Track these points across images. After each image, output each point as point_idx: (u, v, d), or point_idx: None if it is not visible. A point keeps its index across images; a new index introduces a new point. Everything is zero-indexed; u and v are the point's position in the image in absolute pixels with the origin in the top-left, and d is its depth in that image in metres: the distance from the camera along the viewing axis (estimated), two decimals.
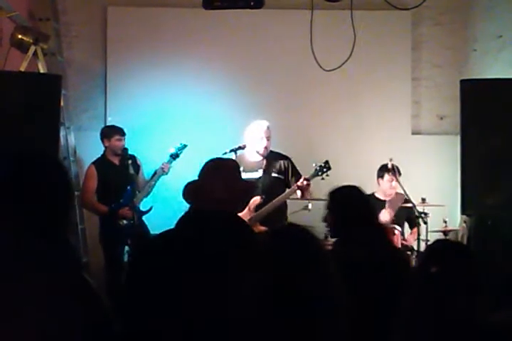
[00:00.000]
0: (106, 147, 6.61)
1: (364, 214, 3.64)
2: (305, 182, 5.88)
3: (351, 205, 3.69)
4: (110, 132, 6.60)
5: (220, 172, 3.50)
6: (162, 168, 6.53)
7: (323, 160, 5.98)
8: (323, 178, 5.94)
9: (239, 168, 3.73)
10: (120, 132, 6.58)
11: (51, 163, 1.98)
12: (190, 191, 3.44)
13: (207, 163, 3.65)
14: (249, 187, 4.02)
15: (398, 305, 2.53)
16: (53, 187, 1.88)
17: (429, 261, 2.57)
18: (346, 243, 3.51)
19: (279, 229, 2.13)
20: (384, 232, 3.79)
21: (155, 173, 6.57)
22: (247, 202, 5.80)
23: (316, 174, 5.95)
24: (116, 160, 6.57)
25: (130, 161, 6.49)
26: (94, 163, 6.60)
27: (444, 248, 2.63)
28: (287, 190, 5.99)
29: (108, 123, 7.32)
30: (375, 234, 3.58)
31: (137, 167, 6.64)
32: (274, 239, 1.95)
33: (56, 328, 1.71)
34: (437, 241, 2.84)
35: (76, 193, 6.67)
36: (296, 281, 1.82)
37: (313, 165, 5.98)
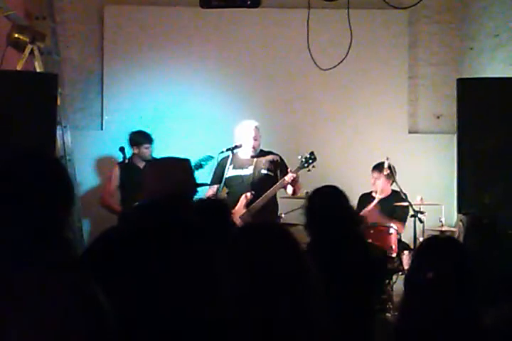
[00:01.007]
0: (134, 153, 6.69)
1: (338, 214, 3.59)
2: (290, 175, 5.90)
3: (325, 205, 3.66)
4: (139, 140, 6.69)
5: (159, 172, 3.61)
6: None
7: (308, 151, 6.00)
8: (309, 170, 5.95)
9: (179, 165, 3.83)
10: (149, 140, 6.68)
11: (48, 161, 1.98)
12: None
13: (147, 165, 3.76)
14: (188, 184, 4.06)
15: (370, 306, 2.55)
16: (51, 186, 1.88)
17: (422, 259, 2.58)
18: (319, 243, 3.49)
19: (252, 226, 2.13)
20: (359, 232, 3.75)
21: None
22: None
23: (302, 166, 5.96)
24: (142, 165, 6.63)
25: None
26: (119, 163, 6.70)
27: (437, 245, 2.63)
28: (276, 184, 6.01)
29: (105, 122, 7.33)
30: (349, 234, 3.54)
31: None
32: (248, 236, 1.95)
33: (54, 328, 1.71)
34: (430, 238, 2.85)
35: None
36: (270, 278, 1.82)
37: (299, 157, 5.99)
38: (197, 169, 6.62)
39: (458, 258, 2.51)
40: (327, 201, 3.67)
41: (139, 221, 2.66)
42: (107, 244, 2.37)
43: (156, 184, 3.50)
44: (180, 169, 3.87)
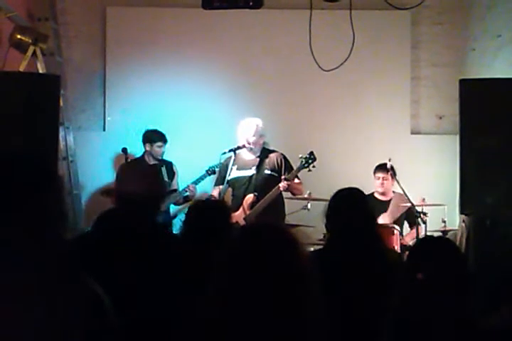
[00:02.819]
0: (146, 150, 6.71)
1: (359, 216, 3.58)
2: (285, 183, 5.93)
3: (348, 207, 3.64)
4: (153, 138, 6.68)
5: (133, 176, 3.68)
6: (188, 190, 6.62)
7: (308, 152, 6.02)
8: (310, 170, 5.98)
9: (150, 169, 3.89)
10: (163, 139, 6.67)
11: (37, 161, 1.97)
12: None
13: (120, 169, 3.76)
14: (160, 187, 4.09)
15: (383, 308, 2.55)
16: (39, 188, 1.88)
17: (416, 260, 2.58)
18: (336, 244, 3.49)
19: (254, 226, 2.13)
20: (377, 235, 3.73)
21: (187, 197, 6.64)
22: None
23: (302, 166, 5.99)
24: (152, 163, 6.70)
25: (164, 167, 6.60)
26: (127, 161, 6.70)
27: (431, 246, 2.64)
28: (272, 190, 6.02)
29: (107, 123, 7.34)
30: (366, 236, 3.53)
31: (172, 174, 6.73)
32: (249, 237, 1.95)
33: (56, 327, 1.71)
34: (424, 239, 2.84)
35: (75, 192, 6.70)
36: (270, 279, 1.82)
37: (299, 156, 6.01)
38: (209, 174, 6.63)
39: (451, 258, 2.51)
40: (348, 202, 3.66)
41: (110, 225, 2.70)
42: (82, 247, 2.39)
43: (130, 187, 3.54)
44: (153, 173, 3.94)
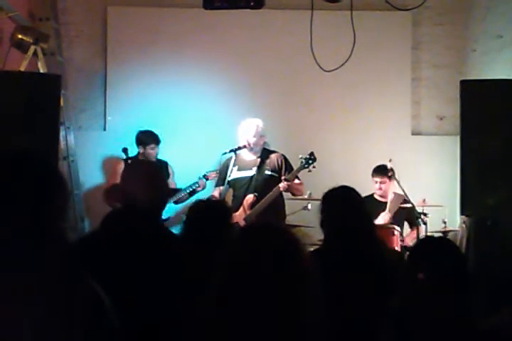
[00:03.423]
0: (140, 152, 6.72)
1: (353, 215, 3.57)
2: (285, 183, 5.94)
3: (339, 206, 3.63)
4: (146, 140, 6.69)
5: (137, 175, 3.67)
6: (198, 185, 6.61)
7: (308, 152, 6.03)
8: (310, 170, 5.99)
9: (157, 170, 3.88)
10: (155, 141, 6.68)
11: (36, 161, 1.97)
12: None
13: (128, 167, 3.77)
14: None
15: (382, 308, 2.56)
16: (40, 187, 1.87)
17: (417, 260, 2.58)
18: (334, 244, 3.48)
19: (254, 226, 2.13)
20: (374, 233, 3.73)
21: (193, 190, 6.62)
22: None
23: (302, 167, 6.01)
24: None
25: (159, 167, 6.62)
26: (125, 160, 6.68)
27: (431, 246, 2.64)
28: (272, 191, 6.03)
29: (108, 123, 7.34)
30: (364, 235, 3.53)
31: (167, 174, 6.72)
32: (248, 237, 1.94)
33: (56, 328, 1.71)
34: (425, 239, 2.84)
35: (75, 192, 6.70)
36: (270, 279, 1.82)
37: (299, 157, 6.02)
38: (207, 180, 6.61)
39: (451, 258, 2.51)
40: (341, 202, 3.65)
41: (116, 226, 2.70)
42: (87, 247, 2.40)
43: (140, 188, 3.52)
44: (158, 172, 3.95)
